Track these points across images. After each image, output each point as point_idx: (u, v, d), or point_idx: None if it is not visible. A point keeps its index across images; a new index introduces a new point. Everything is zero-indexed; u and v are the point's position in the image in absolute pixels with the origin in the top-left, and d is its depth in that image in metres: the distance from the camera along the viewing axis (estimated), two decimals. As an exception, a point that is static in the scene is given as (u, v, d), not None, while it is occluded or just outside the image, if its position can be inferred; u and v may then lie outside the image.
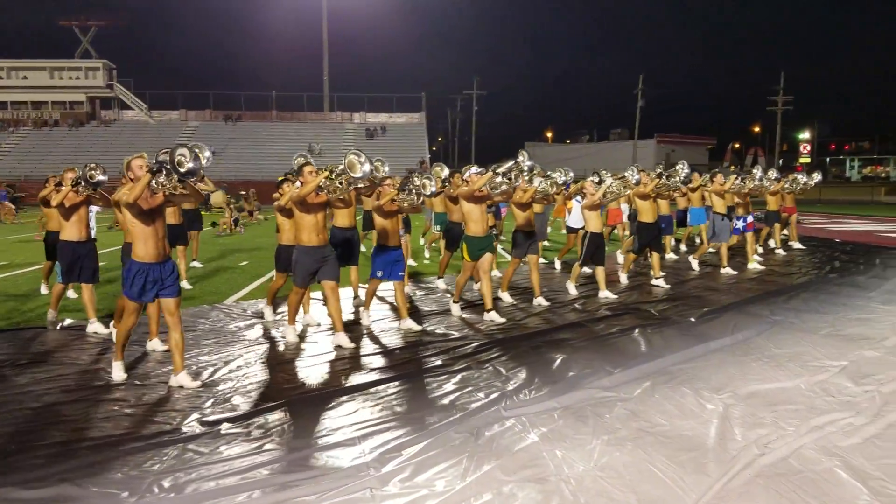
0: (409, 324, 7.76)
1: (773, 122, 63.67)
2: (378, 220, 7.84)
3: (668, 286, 10.39)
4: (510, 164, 8.48)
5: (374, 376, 5.99)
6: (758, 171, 13.33)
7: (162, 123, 53.96)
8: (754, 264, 12.37)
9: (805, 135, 72.85)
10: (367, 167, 6.62)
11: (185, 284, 10.27)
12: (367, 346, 7.12)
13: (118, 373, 5.87)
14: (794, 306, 8.88)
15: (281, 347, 7.07)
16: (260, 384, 5.79)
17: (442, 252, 11.26)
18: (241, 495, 3.74)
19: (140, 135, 51.69)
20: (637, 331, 7.47)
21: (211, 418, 4.94)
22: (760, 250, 14.27)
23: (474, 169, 8.41)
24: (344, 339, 6.95)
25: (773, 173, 13.96)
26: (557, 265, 12.73)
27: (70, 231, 7.54)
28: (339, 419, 4.89)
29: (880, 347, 6.71)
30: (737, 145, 77.61)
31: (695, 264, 12.28)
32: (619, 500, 3.62)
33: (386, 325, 8.00)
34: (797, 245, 15.57)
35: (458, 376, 5.91)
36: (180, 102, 55.60)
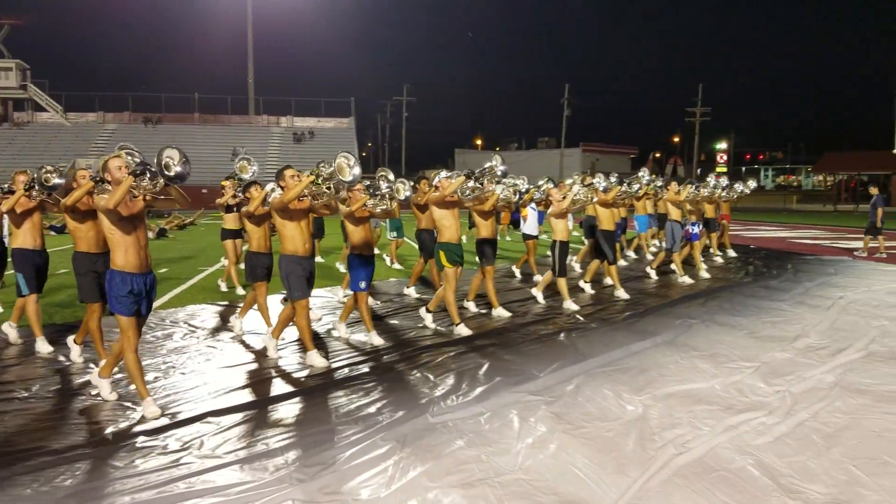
0: (376, 339, 7.38)
1: (692, 133, 65.97)
2: (350, 228, 7.44)
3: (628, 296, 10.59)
4: (483, 168, 8.19)
5: (299, 386, 5.90)
6: (711, 180, 13.80)
7: (78, 126, 51.87)
8: (703, 271, 12.61)
9: (722, 145, 75.75)
10: (356, 170, 6.21)
11: None
12: (292, 355, 6.99)
13: (152, 408, 5.05)
14: (710, 309, 9.20)
15: (200, 357, 6.87)
16: (178, 395, 5.61)
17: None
18: (157, 510, 3.61)
19: (56, 138, 49.60)
20: (563, 334, 7.62)
21: (125, 431, 4.76)
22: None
23: (444, 174, 8.15)
24: (317, 359, 6.46)
25: (723, 181, 14.50)
26: (517, 273, 12.72)
27: (25, 239, 6.96)
28: (262, 430, 4.78)
29: (791, 349, 7.01)
30: (657, 154, 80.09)
31: (652, 273, 12.43)
32: (542, 502, 3.66)
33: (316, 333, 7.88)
34: (730, 252, 16.08)
35: (387, 384, 5.88)
36: (98, 104, 53.59)
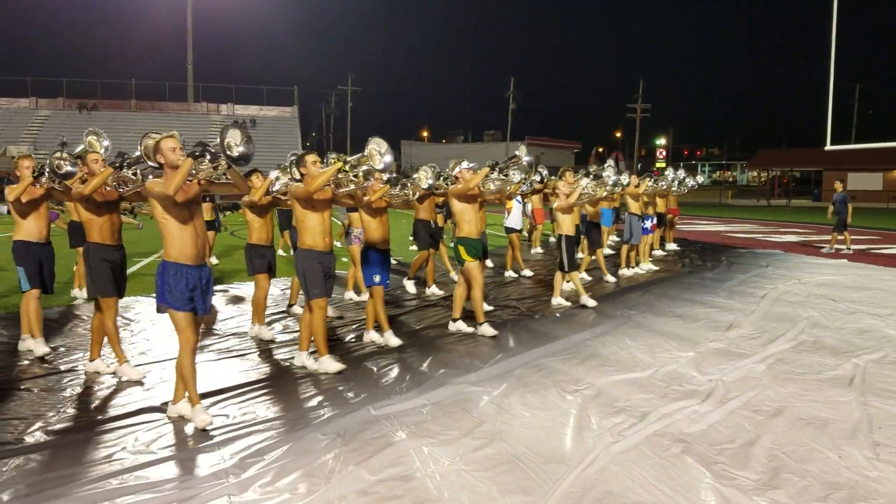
0: (392, 339, 6.93)
1: (633, 129, 67.33)
2: (366, 219, 7.05)
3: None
4: (508, 158, 7.82)
5: (239, 380, 5.81)
6: (670, 173, 13.99)
7: (10, 112, 49.79)
8: (648, 265, 12.85)
9: (661, 140, 77.44)
10: (388, 158, 5.83)
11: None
12: (232, 349, 6.87)
13: (202, 416, 4.60)
14: (648, 301, 9.41)
15: (134, 351, 6.70)
16: (112, 391, 5.45)
17: None
18: (87, 508, 3.50)
19: (-17, 123, 47.53)
20: (508, 326, 7.69)
21: (57, 427, 4.60)
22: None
23: (465, 164, 7.62)
24: (331, 365, 5.98)
25: (682, 174, 14.75)
26: (514, 273, 12.04)
27: (29, 230, 6.35)
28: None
29: (724, 339, 7.21)
30: (601, 149, 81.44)
31: (628, 272, 12.39)
32: (482, 493, 3.68)
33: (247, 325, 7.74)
34: (672, 246, 16.42)
35: (328, 377, 5.83)
36: (30, 89, 51.52)
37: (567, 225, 9.18)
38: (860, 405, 5.12)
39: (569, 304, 9.12)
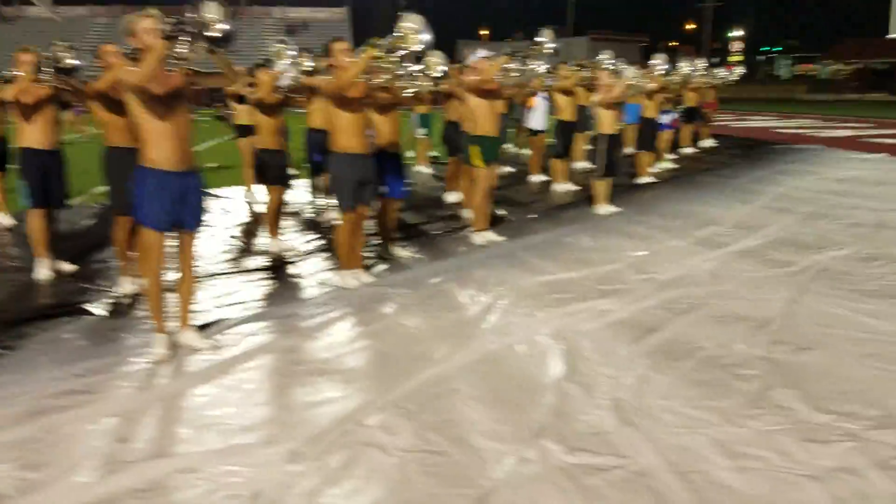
0: (401, 251, 6.50)
1: (705, 20, 63.40)
2: (374, 117, 6.10)
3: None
4: (530, 44, 7.04)
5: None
6: (684, 66, 12.87)
7: (67, 20, 50.64)
8: (666, 163, 12.22)
9: (737, 32, 72.80)
10: (426, 36, 5.07)
11: None
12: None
13: (161, 348, 4.03)
14: (643, 200, 9.06)
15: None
16: None
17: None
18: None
19: (44, 33, 48.48)
20: (459, 232, 7.42)
21: None
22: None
23: (481, 52, 6.92)
24: (350, 280, 5.48)
25: (700, 65, 13.84)
26: (542, 182, 10.65)
27: (33, 136, 5.54)
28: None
29: (690, 237, 6.89)
30: (674, 43, 77.35)
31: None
32: (369, 374, 3.73)
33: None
34: (709, 142, 15.45)
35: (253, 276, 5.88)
36: (87, -3, 52.08)
37: (608, 122, 8.24)
38: (787, 303, 4.84)
39: (615, 209, 8.29)
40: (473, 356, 4.02)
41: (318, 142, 7.04)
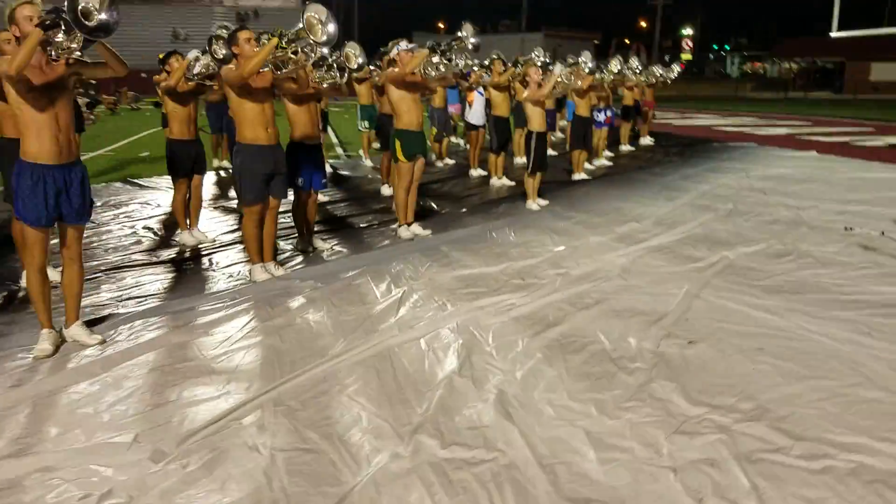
0: (320, 244, 6.53)
1: (658, 18, 64.16)
2: (290, 108, 6.11)
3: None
4: (451, 39, 7.00)
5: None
6: (615, 65, 13.12)
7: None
8: (602, 160, 12.44)
9: (688, 31, 74.03)
10: (331, 28, 5.00)
11: None
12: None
13: (46, 344, 3.94)
14: (573, 196, 9.14)
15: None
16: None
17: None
18: None
19: None
20: (387, 226, 7.45)
21: None
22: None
23: (403, 45, 6.87)
24: (260, 274, 5.44)
25: (634, 63, 14.01)
26: (481, 176, 10.82)
27: None
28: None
29: (609, 233, 6.98)
30: (627, 41, 78.18)
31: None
32: (257, 371, 3.71)
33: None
34: (647, 140, 15.69)
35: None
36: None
37: (538, 120, 8.28)
38: (686, 298, 4.94)
39: (545, 203, 8.42)
40: (371, 352, 4.01)
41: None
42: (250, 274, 5.45)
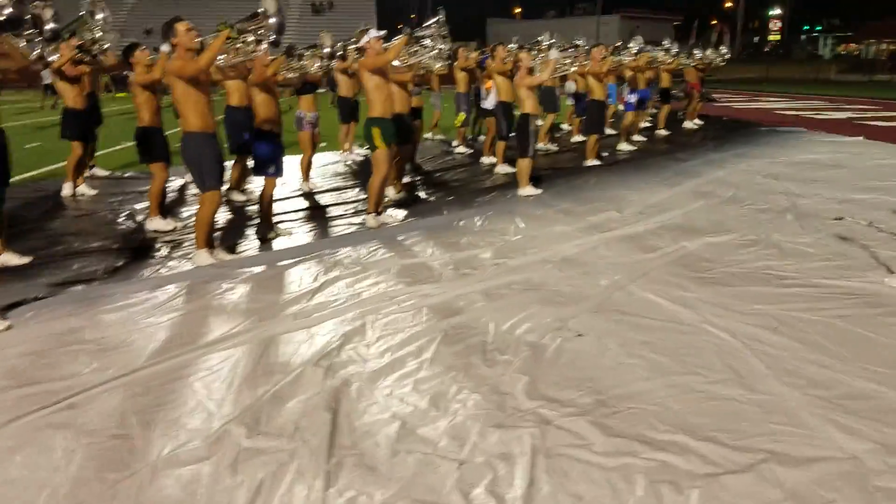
0: (279, 229, 6.68)
1: (744, -2, 61.57)
2: (259, 97, 6.23)
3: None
4: (428, 22, 7.13)
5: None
6: (634, 46, 12.82)
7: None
8: (624, 144, 12.18)
9: (776, 11, 70.65)
10: (275, 20, 5.30)
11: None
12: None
13: None
14: (576, 184, 8.96)
15: None
16: None
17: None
18: None
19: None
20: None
21: None
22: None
23: (373, 33, 6.69)
24: (204, 258, 5.57)
25: (670, 46, 13.66)
26: (492, 164, 10.48)
27: None
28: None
29: (580, 222, 6.83)
30: (713, 21, 75.22)
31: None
32: (120, 351, 3.79)
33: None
34: (689, 124, 15.18)
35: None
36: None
37: (531, 103, 8.15)
38: (609, 290, 4.82)
39: (539, 191, 8.29)
40: (253, 340, 4.04)
41: (239, 120, 7.29)
42: (194, 259, 5.62)
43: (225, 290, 4.95)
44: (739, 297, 4.63)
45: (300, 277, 5.25)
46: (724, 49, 15.56)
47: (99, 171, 9.55)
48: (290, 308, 4.58)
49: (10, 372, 3.61)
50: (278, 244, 6.27)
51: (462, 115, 11.94)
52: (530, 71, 8.21)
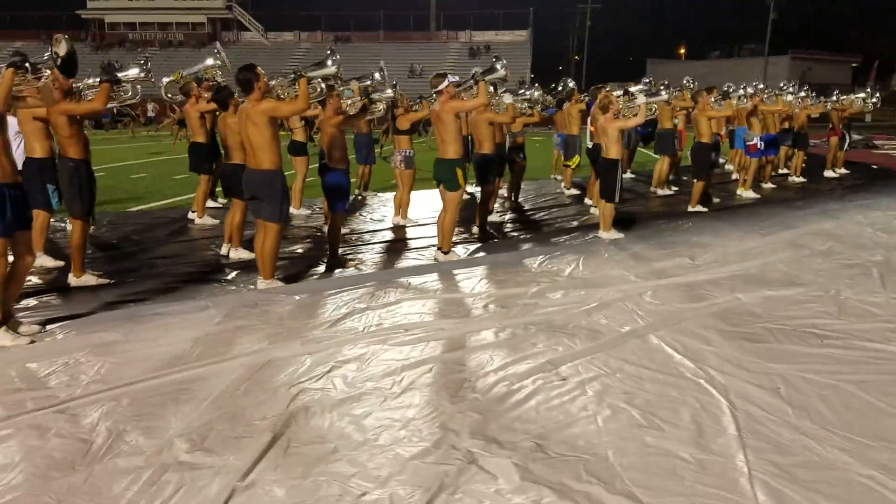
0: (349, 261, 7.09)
1: (932, 35, 56.40)
2: (329, 134, 6.82)
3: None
4: (485, 71, 7.38)
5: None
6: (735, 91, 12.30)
7: (277, 45, 56.05)
8: (745, 192, 11.53)
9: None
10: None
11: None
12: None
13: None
14: (649, 230, 8.70)
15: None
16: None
17: None
18: None
19: (255, 57, 53.90)
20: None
21: None
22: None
23: (451, 78, 6.96)
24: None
25: (790, 89, 13.07)
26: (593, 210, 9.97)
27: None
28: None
29: (641, 268, 6.64)
30: (898, 62, 69.40)
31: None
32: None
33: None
34: (830, 173, 14.15)
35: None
36: (294, 24, 57.28)
37: (615, 148, 8.08)
38: (634, 337, 4.70)
39: (621, 236, 8.14)
40: (253, 361, 4.29)
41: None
42: (258, 285, 6.04)
43: (258, 315, 5.28)
44: (761, 354, 4.35)
45: (335, 306, 5.50)
46: (862, 94, 14.46)
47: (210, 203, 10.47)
48: (307, 333, 4.83)
49: (25, 376, 4.12)
50: (340, 273, 6.60)
51: (577, 158, 11.90)
52: (616, 115, 8.14)
